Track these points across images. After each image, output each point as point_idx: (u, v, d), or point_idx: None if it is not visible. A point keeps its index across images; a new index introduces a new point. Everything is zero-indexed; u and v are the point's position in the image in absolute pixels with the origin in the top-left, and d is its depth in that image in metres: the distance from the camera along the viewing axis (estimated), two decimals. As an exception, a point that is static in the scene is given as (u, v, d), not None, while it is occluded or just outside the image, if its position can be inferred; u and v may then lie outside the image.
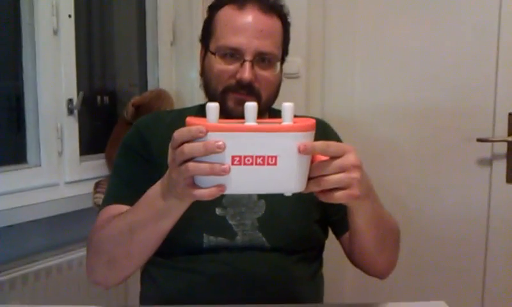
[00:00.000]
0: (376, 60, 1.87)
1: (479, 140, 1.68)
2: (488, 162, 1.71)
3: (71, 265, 1.58)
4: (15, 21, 1.61)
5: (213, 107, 0.72)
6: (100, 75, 2.04)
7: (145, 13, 2.03)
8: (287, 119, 0.73)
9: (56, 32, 1.62)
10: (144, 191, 0.90)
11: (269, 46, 1.04)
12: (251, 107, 0.72)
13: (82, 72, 1.77)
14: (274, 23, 1.06)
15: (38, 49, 1.59)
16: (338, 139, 1.18)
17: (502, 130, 1.67)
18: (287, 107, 0.73)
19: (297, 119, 0.75)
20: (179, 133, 0.73)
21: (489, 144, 1.70)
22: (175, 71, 2.06)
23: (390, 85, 1.84)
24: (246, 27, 1.03)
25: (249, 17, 1.03)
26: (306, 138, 0.73)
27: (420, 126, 1.80)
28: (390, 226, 1.02)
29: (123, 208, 0.99)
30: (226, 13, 1.05)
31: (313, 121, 0.76)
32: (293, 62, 1.87)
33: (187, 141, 0.72)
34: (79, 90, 1.68)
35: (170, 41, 2.04)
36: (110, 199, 1.07)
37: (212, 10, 1.09)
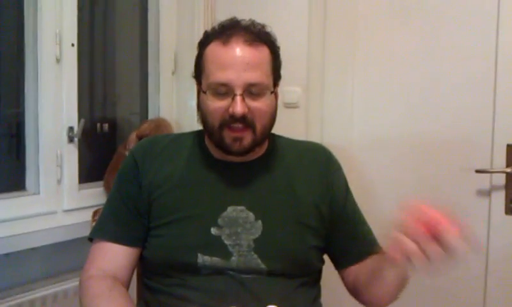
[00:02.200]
0: (375, 90, 1.88)
1: (478, 171, 1.68)
2: (486, 193, 1.71)
3: (66, 294, 1.56)
4: (18, 48, 1.63)
5: None
6: (101, 103, 2.05)
7: (147, 42, 2.06)
8: None
9: (58, 60, 1.63)
10: (131, 226, 1.01)
11: (258, 77, 1.04)
12: None
13: (84, 100, 1.78)
14: (261, 53, 1.06)
15: (40, 77, 1.60)
16: (340, 168, 1.20)
17: (500, 162, 1.67)
18: None
19: None
20: None
21: (487, 175, 1.70)
22: (176, 100, 2.07)
23: (389, 115, 1.85)
24: (232, 61, 1.03)
25: (235, 51, 1.04)
26: None
27: (418, 156, 1.80)
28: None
29: (110, 253, 1.08)
30: (213, 50, 1.07)
31: None
32: (293, 92, 1.88)
33: None
34: (80, 118, 1.69)
35: (172, 70, 2.06)
36: (98, 232, 1.12)
37: (201, 47, 1.11)
